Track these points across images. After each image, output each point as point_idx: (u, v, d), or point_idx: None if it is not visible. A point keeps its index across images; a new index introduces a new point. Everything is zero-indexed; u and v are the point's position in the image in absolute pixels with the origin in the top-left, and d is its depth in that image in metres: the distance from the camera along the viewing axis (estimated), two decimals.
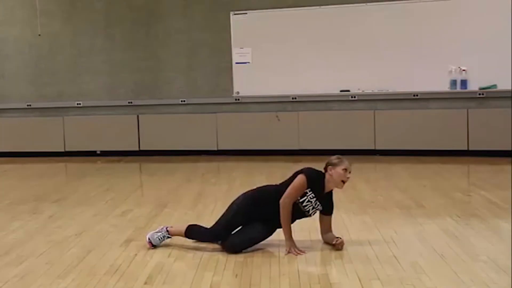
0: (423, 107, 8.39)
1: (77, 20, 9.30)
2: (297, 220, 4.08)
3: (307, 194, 3.92)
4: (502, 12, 7.85)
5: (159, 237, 4.07)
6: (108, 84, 9.32)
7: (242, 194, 4.08)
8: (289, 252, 3.85)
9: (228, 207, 4.07)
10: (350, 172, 3.95)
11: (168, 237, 4.10)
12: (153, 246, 4.04)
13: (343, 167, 3.92)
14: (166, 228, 4.12)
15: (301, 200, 3.92)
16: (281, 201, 3.88)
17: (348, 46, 8.42)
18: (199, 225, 4.15)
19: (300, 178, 3.91)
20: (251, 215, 3.97)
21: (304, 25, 8.54)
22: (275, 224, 4.01)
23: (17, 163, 8.82)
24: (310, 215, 4.01)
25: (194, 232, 4.08)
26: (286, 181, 4.05)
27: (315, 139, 8.47)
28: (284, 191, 3.93)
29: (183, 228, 4.11)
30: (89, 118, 9.32)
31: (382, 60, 8.30)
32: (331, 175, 3.94)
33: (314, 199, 3.93)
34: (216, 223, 4.03)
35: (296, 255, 3.81)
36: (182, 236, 4.10)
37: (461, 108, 8.21)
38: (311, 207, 3.95)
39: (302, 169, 4.00)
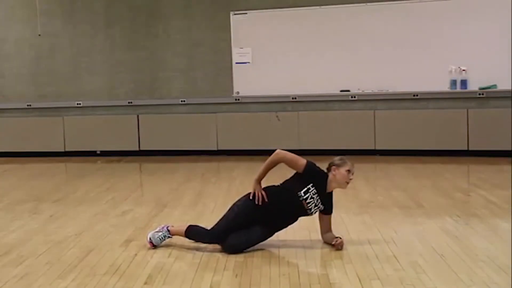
0: (423, 107, 8.39)
1: (77, 20, 9.30)
2: (297, 220, 4.09)
3: (310, 190, 3.91)
4: (502, 12, 7.85)
5: (160, 237, 4.07)
6: (108, 84, 9.32)
7: (244, 196, 4.06)
8: (253, 194, 3.93)
9: (229, 209, 4.06)
10: (353, 173, 3.97)
11: (169, 237, 4.10)
12: (154, 246, 4.04)
13: (346, 168, 3.94)
14: (167, 227, 4.12)
15: (304, 197, 3.91)
16: (278, 150, 3.95)
17: (348, 46, 8.42)
18: (199, 226, 4.15)
19: (303, 159, 3.95)
20: (252, 218, 3.96)
21: (304, 25, 8.54)
22: (276, 226, 4.02)
23: (17, 163, 8.82)
24: (311, 214, 4.00)
25: (194, 232, 4.08)
26: (288, 180, 4.06)
27: (315, 139, 8.47)
28: (287, 188, 3.97)
29: (183, 228, 4.11)
30: (89, 118, 9.32)
31: (382, 60, 8.30)
32: (334, 175, 3.95)
33: (316, 195, 3.93)
34: (216, 224, 4.03)
35: (258, 200, 3.89)
36: (182, 236, 4.10)
37: (461, 108, 8.21)
38: (313, 205, 3.94)
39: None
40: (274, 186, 4.07)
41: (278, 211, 3.95)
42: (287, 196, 3.95)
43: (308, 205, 3.93)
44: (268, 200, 3.94)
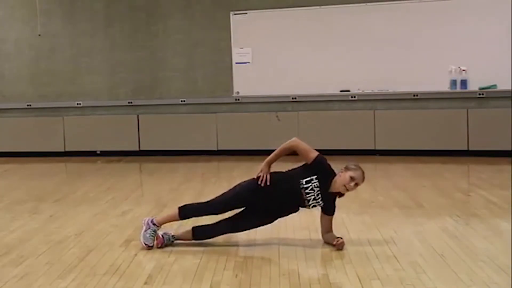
0: (423, 107, 8.39)
1: (77, 20, 9.30)
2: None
3: (313, 181, 3.90)
4: (502, 12, 7.85)
5: (151, 234, 4.04)
6: (108, 84, 9.32)
7: (249, 179, 4.05)
8: (259, 175, 3.94)
9: (232, 187, 4.09)
10: (356, 184, 3.90)
11: (158, 227, 4.07)
12: (151, 246, 4.02)
13: (351, 174, 3.90)
14: (151, 221, 4.08)
15: (305, 186, 3.90)
16: (294, 138, 3.98)
17: (348, 46, 8.42)
18: (191, 203, 4.18)
19: (315, 152, 3.98)
20: (252, 199, 3.98)
21: (304, 25, 8.54)
22: (274, 212, 4.01)
23: (17, 163, 8.82)
24: (308, 206, 3.97)
25: (190, 210, 4.08)
26: (295, 168, 4.06)
27: (315, 139, 8.31)
28: (292, 174, 3.99)
29: (173, 212, 4.09)
30: (89, 118, 9.32)
31: (382, 60, 8.30)
32: (339, 176, 3.94)
33: (318, 189, 3.91)
34: (215, 197, 4.07)
35: (262, 181, 3.90)
36: (175, 220, 4.09)
37: (461, 108, 8.21)
38: (312, 197, 3.92)
39: None
40: (281, 172, 4.07)
41: (278, 195, 3.94)
42: (289, 182, 3.95)
43: (307, 195, 3.91)
44: (271, 184, 3.93)
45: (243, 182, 4.09)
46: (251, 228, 4.09)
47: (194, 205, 4.14)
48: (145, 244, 4.02)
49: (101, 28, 9.26)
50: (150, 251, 3.99)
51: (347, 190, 3.93)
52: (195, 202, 4.24)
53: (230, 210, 4.06)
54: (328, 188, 3.95)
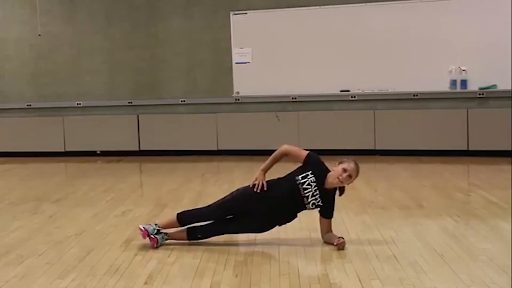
0: (423, 107, 8.39)
1: (77, 20, 9.30)
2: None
3: (308, 176, 3.93)
4: (502, 12, 7.85)
5: (150, 227, 4.08)
6: (108, 84, 9.32)
7: (247, 185, 4.06)
8: (254, 183, 3.98)
9: (229, 193, 4.12)
10: (350, 176, 3.92)
11: (159, 229, 4.10)
12: (145, 231, 4.03)
13: (344, 166, 3.94)
14: (155, 224, 4.14)
15: (302, 181, 3.92)
16: (284, 145, 4.09)
17: (348, 46, 8.42)
18: (189, 209, 4.21)
19: (305, 151, 4.05)
20: (248, 204, 3.98)
21: (304, 25, 8.53)
22: (273, 217, 4.01)
23: (17, 163, 8.82)
24: (308, 204, 3.96)
25: (188, 216, 4.10)
26: (289, 173, 4.07)
27: (315, 139, 8.43)
28: (288, 176, 4.03)
29: (172, 218, 4.12)
30: (89, 118, 9.32)
31: (382, 60, 8.30)
32: (333, 171, 3.97)
33: (315, 185, 3.92)
34: (213, 203, 4.11)
35: (258, 188, 3.94)
36: (174, 226, 4.11)
37: (461, 108, 8.21)
38: (310, 193, 3.93)
39: None
40: (275, 178, 4.08)
41: (275, 197, 3.94)
42: (286, 183, 3.98)
43: (305, 191, 3.92)
44: (267, 190, 3.95)
45: (239, 188, 4.11)
46: (244, 232, 4.11)
47: (192, 212, 4.17)
48: (143, 228, 4.05)
49: (101, 28, 9.26)
50: (150, 251, 3.99)
51: (341, 182, 3.93)
52: (193, 208, 4.27)
53: (228, 214, 4.05)
54: (324, 184, 3.95)
